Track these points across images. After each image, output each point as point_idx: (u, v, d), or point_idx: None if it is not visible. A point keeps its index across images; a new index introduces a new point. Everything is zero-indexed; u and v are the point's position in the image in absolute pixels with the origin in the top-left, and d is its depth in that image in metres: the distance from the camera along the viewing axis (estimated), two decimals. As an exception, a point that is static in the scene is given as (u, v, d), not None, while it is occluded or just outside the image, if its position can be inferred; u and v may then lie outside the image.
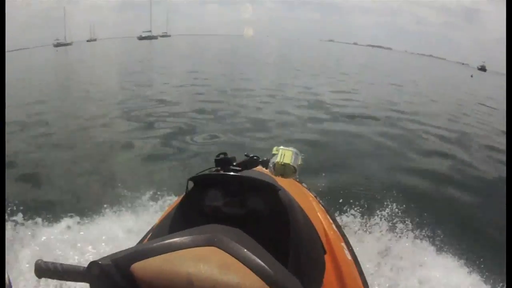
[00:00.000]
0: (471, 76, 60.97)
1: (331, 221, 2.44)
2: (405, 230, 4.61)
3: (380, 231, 4.58)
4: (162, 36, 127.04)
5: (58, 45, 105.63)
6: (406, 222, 4.76)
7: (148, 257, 1.09)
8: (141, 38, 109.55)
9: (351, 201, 5.15)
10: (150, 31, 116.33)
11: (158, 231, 2.02)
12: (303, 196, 2.42)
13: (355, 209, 4.97)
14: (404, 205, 5.15)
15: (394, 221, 4.77)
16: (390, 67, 56.48)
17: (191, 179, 1.96)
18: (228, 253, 1.14)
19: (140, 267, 1.06)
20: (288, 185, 2.24)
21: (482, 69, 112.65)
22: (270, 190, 1.92)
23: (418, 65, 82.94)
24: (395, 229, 4.64)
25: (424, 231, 4.66)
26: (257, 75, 23.63)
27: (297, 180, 2.76)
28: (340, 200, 5.12)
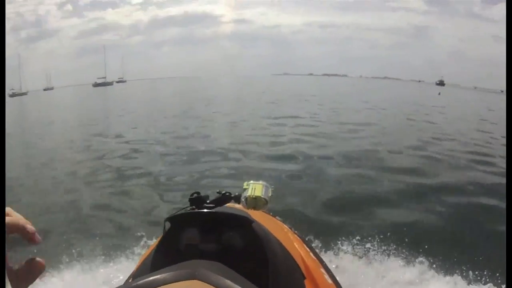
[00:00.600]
0: (439, 94, 60.95)
1: (308, 249, 2.50)
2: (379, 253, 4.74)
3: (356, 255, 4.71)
4: (118, 81, 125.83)
5: (13, 95, 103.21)
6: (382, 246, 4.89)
7: None
8: (96, 85, 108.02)
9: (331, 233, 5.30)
10: (105, 77, 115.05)
11: (138, 273, 2.05)
12: (277, 228, 2.49)
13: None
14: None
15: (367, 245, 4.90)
16: (341, 93, 57.81)
17: (168, 219, 2.02)
18: (211, 285, 1.19)
19: None
20: (262, 219, 2.32)
21: (441, 83, 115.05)
22: (244, 224, 1.99)
23: (377, 87, 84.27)
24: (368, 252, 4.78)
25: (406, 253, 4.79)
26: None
27: (271, 214, 2.84)
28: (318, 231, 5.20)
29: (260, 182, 2.21)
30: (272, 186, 2.22)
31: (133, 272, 2.17)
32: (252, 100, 37.69)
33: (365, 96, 45.78)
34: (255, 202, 2.15)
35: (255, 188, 2.17)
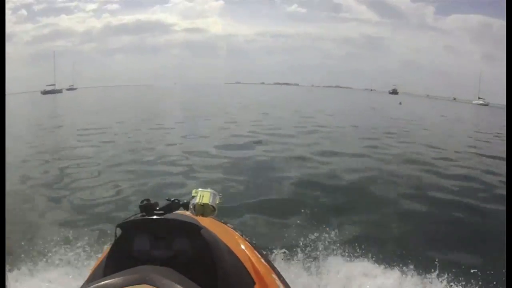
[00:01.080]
0: (400, 103, 59.46)
1: (259, 255, 2.57)
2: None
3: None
4: (68, 89, 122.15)
5: None
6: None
7: None
8: (44, 92, 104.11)
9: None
10: (54, 84, 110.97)
11: (91, 279, 2.08)
12: (227, 234, 2.55)
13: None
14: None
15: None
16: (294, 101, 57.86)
17: (119, 225, 2.06)
18: None
19: None
20: (212, 225, 2.38)
21: (394, 92, 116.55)
22: (193, 230, 2.06)
23: (329, 96, 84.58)
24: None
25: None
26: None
27: (222, 221, 2.90)
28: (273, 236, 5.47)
29: (208, 189, 2.28)
30: (220, 194, 2.30)
31: (87, 277, 2.20)
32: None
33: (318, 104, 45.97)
34: (203, 209, 2.22)
35: (203, 196, 2.24)
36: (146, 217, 2.21)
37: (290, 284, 2.56)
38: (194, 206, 2.23)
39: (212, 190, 2.28)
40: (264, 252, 2.94)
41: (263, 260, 2.55)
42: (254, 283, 2.19)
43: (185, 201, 2.35)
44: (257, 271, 2.33)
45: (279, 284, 2.41)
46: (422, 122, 30.58)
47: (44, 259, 4.86)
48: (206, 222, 2.33)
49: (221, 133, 18.14)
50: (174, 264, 1.80)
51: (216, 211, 2.25)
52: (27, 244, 5.47)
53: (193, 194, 2.27)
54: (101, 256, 2.43)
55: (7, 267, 4.52)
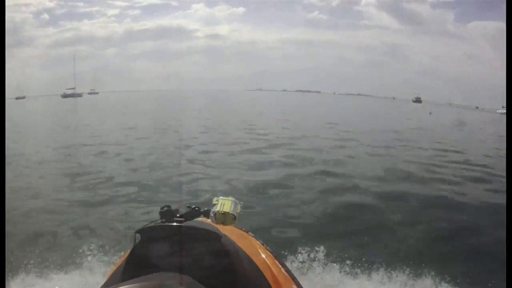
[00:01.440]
0: (430, 113, 56.25)
1: (280, 265, 2.52)
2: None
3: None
4: (90, 93, 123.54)
5: None
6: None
7: None
8: (64, 96, 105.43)
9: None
10: (74, 88, 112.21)
11: (108, 284, 2.05)
12: (248, 243, 2.51)
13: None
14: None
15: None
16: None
17: (138, 231, 2.04)
18: None
19: None
20: (232, 234, 2.34)
21: (418, 100, 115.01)
22: (212, 238, 2.02)
23: (358, 105, 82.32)
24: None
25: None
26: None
27: (242, 229, 2.86)
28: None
29: (230, 198, 2.25)
30: (241, 203, 2.27)
31: (104, 283, 2.17)
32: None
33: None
34: (223, 218, 2.19)
35: (224, 204, 2.21)
36: (166, 223, 2.19)
37: None
38: (215, 214, 2.20)
39: (233, 199, 2.25)
40: (285, 262, 2.89)
41: (283, 270, 2.51)
42: None
43: (205, 208, 2.32)
44: (277, 281, 2.28)
45: None
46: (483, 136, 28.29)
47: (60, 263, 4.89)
48: (227, 230, 2.29)
49: (247, 144, 17.61)
50: (192, 272, 1.77)
51: (237, 220, 2.22)
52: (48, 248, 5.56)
53: (214, 202, 2.24)
54: (118, 261, 2.40)
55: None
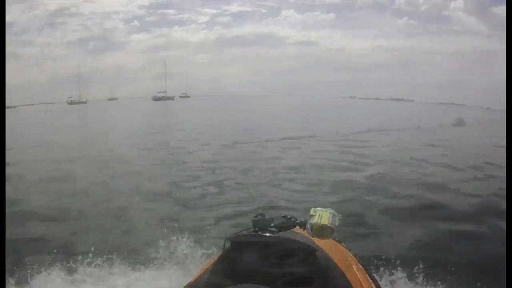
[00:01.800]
0: None
1: (370, 281, 2.40)
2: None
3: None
4: (182, 96, 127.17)
5: (71, 103, 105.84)
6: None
7: None
8: (156, 98, 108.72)
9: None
10: (165, 91, 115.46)
11: None
12: (341, 256, 2.40)
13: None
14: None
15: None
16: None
17: (228, 238, 1.99)
18: None
19: None
20: (326, 245, 2.24)
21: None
22: (307, 252, 1.93)
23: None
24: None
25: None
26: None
27: (336, 239, 2.75)
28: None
29: (328, 209, 2.13)
30: (340, 215, 2.14)
31: (188, 284, 2.13)
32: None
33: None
34: (321, 231, 2.08)
35: (322, 216, 2.09)
36: (259, 233, 2.12)
37: None
38: (312, 226, 2.09)
39: (332, 210, 2.13)
40: (374, 275, 2.74)
41: (373, 286, 2.37)
42: None
43: (302, 220, 2.23)
44: None
45: None
46: None
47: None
48: (322, 243, 2.18)
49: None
50: (282, 286, 1.69)
51: (335, 233, 2.10)
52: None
53: (311, 213, 2.14)
54: (204, 266, 2.36)
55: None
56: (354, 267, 2.41)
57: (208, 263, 2.43)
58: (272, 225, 2.20)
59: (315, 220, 2.08)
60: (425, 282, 4.54)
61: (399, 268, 4.57)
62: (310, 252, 1.94)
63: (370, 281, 2.41)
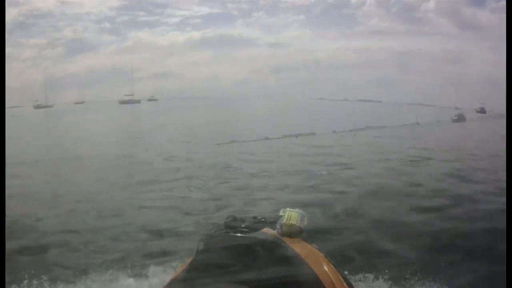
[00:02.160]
0: None
1: (341, 278, 2.46)
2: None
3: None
4: (150, 100, 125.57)
5: (38, 107, 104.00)
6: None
7: None
8: (122, 102, 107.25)
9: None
10: (132, 94, 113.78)
11: None
12: (312, 256, 2.46)
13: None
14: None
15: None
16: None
17: (202, 240, 2.04)
18: None
19: None
20: (297, 246, 2.30)
21: (482, 111, 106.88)
22: (277, 251, 1.99)
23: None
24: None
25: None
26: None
27: (306, 241, 2.81)
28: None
29: (297, 209, 2.21)
30: (308, 215, 2.22)
31: (166, 285, 2.16)
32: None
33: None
34: (290, 230, 2.15)
35: (290, 216, 2.17)
36: (230, 234, 2.18)
37: None
38: (281, 226, 2.17)
39: (300, 211, 2.21)
40: (347, 275, 2.80)
41: (345, 284, 2.43)
42: None
43: (271, 220, 2.30)
44: None
45: None
46: None
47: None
48: (292, 243, 2.25)
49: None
50: (254, 284, 1.74)
51: (303, 233, 2.18)
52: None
53: (280, 214, 2.21)
54: (179, 268, 2.40)
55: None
56: (325, 266, 2.48)
57: (184, 263, 2.47)
58: (243, 226, 2.26)
59: (284, 220, 2.16)
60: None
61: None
62: (279, 251, 2.00)
63: (341, 278, 2.47)
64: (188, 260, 2.27)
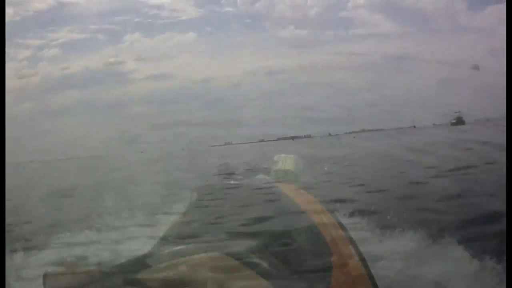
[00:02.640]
0: None
1: (337, 224, 2.50)
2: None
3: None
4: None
5: None
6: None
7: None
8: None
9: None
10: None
11: (165, 242, 2.05)
12: (304, 200, 2.52)
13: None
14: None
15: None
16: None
17: (196, 190, 2.05)
18: (234, 259, 1.23)
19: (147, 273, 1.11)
20: (291, 191, 2.34)
21: (459, 122, 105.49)
22: (272, 196, 2.04)
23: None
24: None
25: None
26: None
27: (302, 187, 2.85)
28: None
29: (291, 155, 2.26)
30: (303, 161, 2.26)
31: (160, 239, 2.15)
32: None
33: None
34: (284, 175, 2.19)
35: (286, 161, 2.22)
36: (223, 182, 2.21)
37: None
38: (276, 172, 2.21)
39: (295, 156, 2.26)
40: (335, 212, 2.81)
41: (341, 231, 2.50)
42: (330, 252, 2.15)
43: (266, 167, 2.34)
44: (334, 242, 2.28)
45: (354, 255, 2.35)
46: None
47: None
48: (288, 189, 2.30)
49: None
50: (253, 231, 1.78)
51: (298, 178, 2.22)
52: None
53: (275, 160, 2.26)
54: (174, 219, 2.40)
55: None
56: (320, 212, 2.51)
57: (178, 216, 2.46)
58: (236, 172, 2.29)
59: (279, 166, 2.20)
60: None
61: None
62: (274, 196, 2.04)
63: (337, 224, 2.51)
64: (180, 213, 2.27)
